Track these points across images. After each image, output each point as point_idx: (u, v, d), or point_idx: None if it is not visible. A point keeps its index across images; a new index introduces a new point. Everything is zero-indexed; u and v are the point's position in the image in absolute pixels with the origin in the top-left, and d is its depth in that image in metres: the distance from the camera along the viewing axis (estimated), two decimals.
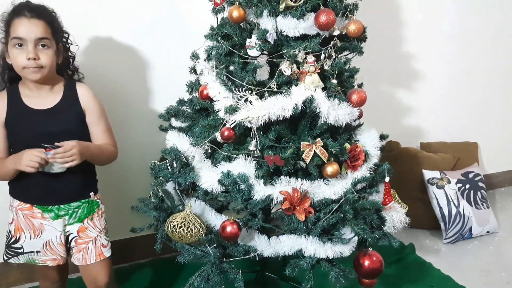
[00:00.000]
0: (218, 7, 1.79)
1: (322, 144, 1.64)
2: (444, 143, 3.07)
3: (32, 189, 1.66)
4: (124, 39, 2.19)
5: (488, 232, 2.79)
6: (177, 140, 1.85)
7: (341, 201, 1.68)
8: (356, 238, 1.70)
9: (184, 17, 2.24)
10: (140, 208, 1.88)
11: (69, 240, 1.75)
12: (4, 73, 1.64)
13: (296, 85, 1.65)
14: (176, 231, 1.66)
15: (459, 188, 2.77)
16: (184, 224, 1.65)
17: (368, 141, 1.89)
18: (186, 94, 1.96)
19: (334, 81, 1.71)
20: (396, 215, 1.86)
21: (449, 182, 2.76)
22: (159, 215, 1.80)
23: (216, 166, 1.73)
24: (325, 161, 1.64)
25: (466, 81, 3.09)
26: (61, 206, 1.70)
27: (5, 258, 1.74)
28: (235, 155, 1.68)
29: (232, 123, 1.60)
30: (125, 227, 2.15)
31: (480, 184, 2.86)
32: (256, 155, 1.65)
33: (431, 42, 2.88)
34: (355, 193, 1.72)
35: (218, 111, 1.65)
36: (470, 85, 3.11)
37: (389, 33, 2.78)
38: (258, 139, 1.62)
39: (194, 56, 1.86)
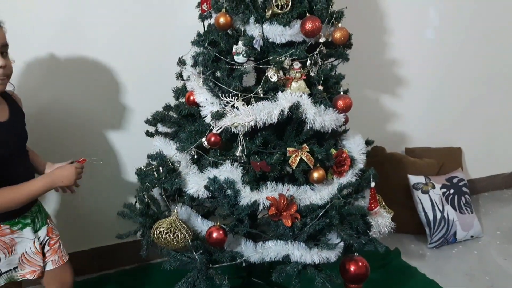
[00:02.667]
0: (205, 13, 1.80)
1: (308, 150, 1.65)
2: (428, 148, 3.10)
3: None
4: (112, 42, 2.19)
5: (472, 236, 2.82)
6: (164, 146, 1.85)
7: (327, 206, 1.69)
8: (342, 244, 1.71)
9: (172, 23, 2.23)
10: (126, 214, 1.87)
11: (44, 246, 1.71)
12: None
13: (282, 91, 1.66)
14: (162, 237, 1.65)
15: (443, 193, 2.80)
16: (170, 230, 1.65)
17: (354, 146, 1.90)
18: (172, 100, 1.96)
19: (320, 87, 1.73)
20: (381, 220, 1.88)
21: (433, 187, 2.79)
22: (145, 221, 1.79)
23: (202, 172, 1.73)
24: (311, 167, 1.65)
25: (449, 87, 3.13)
26: (25, 214, 1.63)
27: None
28: (221, 161, 1.68)
29: (218, 129, 1.60)
30: (110, 233, 2.14)
31: (464, 189, 2.89)
32: (242, 161, 1.65)
33: (415, 49, 2.91)
34: (341, 199, 1.73)
35: (205, 117, 1.65)
36: (453, 91, 3.14)
37: (373, 40, 2.80)
38: (244, 144, 1.62)
39: (181, 62, 1.86)
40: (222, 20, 1.65)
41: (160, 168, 1.74)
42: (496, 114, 3.34)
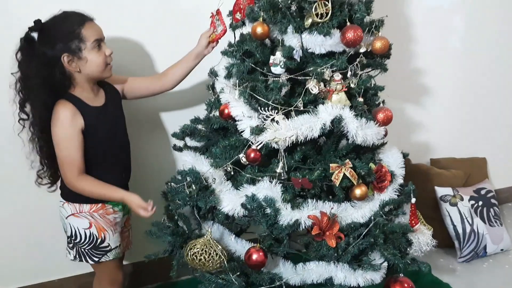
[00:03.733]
0: (237, 23, 1.72)
1: (352, 166, 1.56)
2: (454, 159, 3.02)
3: None
4: (136, 51, 2.11)
5: (502, 250, 2.73)
6: (195, 161, 1.77)
7: (370, 225, 1.60)
8: (386, 264, 1.62)
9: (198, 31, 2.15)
10: (154, 233, 1.78)
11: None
12: (63, 85, 1.63)
13: (322, 103, 1.59)
14: (196, 259, 1.57)
15: (472, 205, 2.72)
16: (205, 250, 1.57)
17: (392, 160, 1.83)
18: (198, 112, 1.89)
19: (361, 99, 1.65)
20: (422, 238, 1.79)
21: (462, 199, 2.71)
22: (175, 240, 1.71)
23: (238, 189, 1.65)
24: (355, 183, 1.57)
25: (473, 97, 3.05)
26: None
27: (96, 259, 1.77)
28: (259, 178, 1.59)
29: (258, 145, 1.52)
30: (137, 250, 2.07)
31: (493, 200, 2.81)
32: (283, 178, 1.56)
33: (440, 58, 2.84)
34: (384, 216, 1.65)
35: (242, 132, 1.57)
36: (476, 100, 3.07)
37: (398, 48, 2.71)
38: (285, 160, 1.54)
39: (212, 73, 1.79)
40: (259, 29, 1.57)
41: (193, 185, 1.66)
42: None
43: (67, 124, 1.59)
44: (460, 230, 2.64)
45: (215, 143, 1.83)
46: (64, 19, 1.57)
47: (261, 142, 1.52)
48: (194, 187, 1.66)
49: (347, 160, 1.57)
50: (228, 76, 1.70)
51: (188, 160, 1.80)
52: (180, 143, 1.97)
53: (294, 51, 1.55)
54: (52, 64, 1.57)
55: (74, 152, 1.61)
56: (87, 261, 1.77)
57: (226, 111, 1.65)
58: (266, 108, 1.54)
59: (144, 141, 2.20)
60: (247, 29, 1.73)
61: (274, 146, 1.53)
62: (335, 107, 1.56)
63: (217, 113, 1.74)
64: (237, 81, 1.62)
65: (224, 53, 1.78)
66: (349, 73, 1.62)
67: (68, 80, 1.62)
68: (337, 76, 1.59)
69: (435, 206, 2.74)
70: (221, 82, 1.71)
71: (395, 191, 1.74)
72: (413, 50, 2.76)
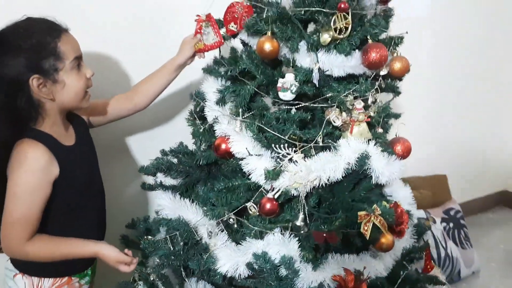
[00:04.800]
0: (232, 35, 1.40)
1: (380, 212, 1.30)
2: (420, 177, 2.89)
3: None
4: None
5: (473, 272, 2.64)
6: (175, 206, 1.42)
7: (399, 281, 1.36)
8: None
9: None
10: None
11: None
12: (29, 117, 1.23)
13: (342, 137, 1.32)
14: None
15: (444, 228, 2.59)
16: None
17: (401, 195, 1.59)
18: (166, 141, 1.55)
19: (380, 130, 1.40)
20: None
21: (434, 221, 2.57)
22: None
23: (239, 243, 1.32)
24: (385, 233, 1.31)
25: (434, 114, 2.97)
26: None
27: None
28: (269, 230, 1.28)
29: (276, 192, 1.21)
30: None
31: (462, 221, 2.71)
32: (303, 231, 1.26)
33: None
34: (408, 267, 1.42)
35: (250, 174, 1.25)
36: (437, 117, 3.00)
37: None
38: (306, 210, 1.24)
39: (198, 96, 1.44)
40: (268, 46, 1.26)
41: (179, 240, 1.31)
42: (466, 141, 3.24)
43: (36, 175, 1.19)
44: (435, 256, 2.50)
45: (197, 182, 1.50)
46: (31, 28, 1.16)
47: (279, 189, 1.20)
48: (181, 242, 1.31)
49: (375, 206, 1.30)
50: (221, 101, 1.37)
51: (166, 205, 1.44)
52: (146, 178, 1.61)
53: (314, 74, 1.26)
54: (15, 88, 1.16)
55: (34, 211, 1.21)
56: None
57: (223, 146, 1.31)
58: (282, 145, 1.23)
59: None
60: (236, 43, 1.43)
61: (293, 192, 1.23)
62: (358, 142, 1.29)
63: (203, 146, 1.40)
64: (240, 109, 1.29)
65: (208, 71, 1.46)
66: (370, 100, 1.35)
67: (35, 111, 1.21)
68: (359, 104, 1.32)
69: None
70: (213, 109, 1.37)
71: (412, 234, 1.51)
72: None
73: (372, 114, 1.38)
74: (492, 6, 2.92)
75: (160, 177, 1.55)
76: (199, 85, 1.69)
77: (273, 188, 1.21)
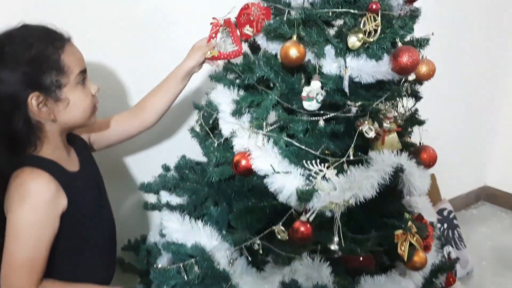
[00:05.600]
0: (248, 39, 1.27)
1: (416, 230, 1.21)
2: None
3: None
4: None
5: (468, 273, 2.61)
6: (186, 229, 1.28)
7: None
8: None
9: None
10: None
11: None
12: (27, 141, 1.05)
13: (370, 148, 1.21)
14: None
15: (439, 230, 2.55)
16: None
17: (421, 206, 1.51)
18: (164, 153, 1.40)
19: (409, 139, 1.31)
20: None
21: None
22: None
23: (260, 269, 1.20)
24: (420, 251, 1.22)
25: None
26: None
27: None
28: (297, 255, 1.16)
29: (311, 214, 1.09)
30: None
31: (455, 221, 2.67)
32: (337, 255, 1.15)
33: None
34: (437, 283, 1.33)
35: (277, 194, 1.12)
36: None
37: None
38: (341, 232, 1.12)
39: (209, 106, 1.30)
40: (294, 52, 1.13)
41: (196, 268, 1.18)
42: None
43: (42, 210, 1.02)
44: None
45: (205, 200, 1.37)
46: (30, 38, 0.99)
47: (314, 211, 1.08)
48: (197, 271, 1.18)
49: (410, 223, 1.21)
50: (238, 113, 1.23)
51: (174, 228, 1.30)
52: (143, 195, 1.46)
53: (345, 81, 1.14)
54: (11, 108, 0.99)
55: (41, 252, 1.03)
56: None
57: (243, 162, 1.18)
58: (314, 162, 1.11)
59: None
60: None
61: (328, 214, 1.11)
62: (391, 154, 1.19)
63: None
64: (264, 122, 1.16)
65: (217, 78, 1.32)
66: (400, 107, 1.25)
67: (34, 135, 1.03)
68: (390, 113, 1.22)
69: None
70: (229, 122, 1.23)
71: (437, 248, 1.43)
72: None
73: (400, 122, 1.28)
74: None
75: (164, 195, 1.41)
76: (198, 93, 1.56)
77: (307, 209, 1.08)
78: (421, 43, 1.31)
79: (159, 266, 1.23)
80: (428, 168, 1.35)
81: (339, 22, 1.26)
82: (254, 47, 1.38)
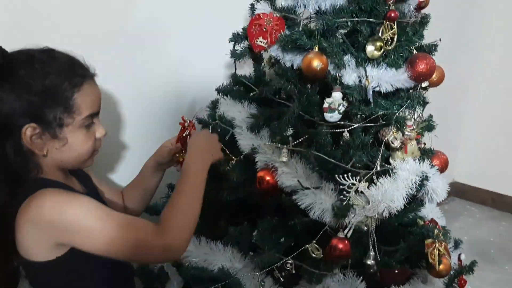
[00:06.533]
0: (261, 51, 1.22)
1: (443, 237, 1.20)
2: None
3: None
4: None
5: None
6: (204, 251, 1.22)
7: None
8: None
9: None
10: None
11: None
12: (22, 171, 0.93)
13: (393, 158, 1.20)
14: None
15: None
16: None
17: (427, 209, 1.51)
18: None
19: (423, 145, 1.30)
20: None
21: None
22: None
23: None
24: (447, 258, 1.21)
25: None
26: None
27: None
28: (330, 272, 1.13)
29: (348, 231, 1.05)
30: None
31: None
32: (372, 269, 1.12)
33: None
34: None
35: (309, 212, 1.08)
36: None
37: None
38: (376, 247, 1.10)
39: (224, 121, 1.24)
40: (317, 63, 1.10)
41: None
42: None
43: (72, 194, 0.93)
44: None
45: (218, 219, 1.31)
46: (50, 66, 0.89)
47: (351, 226, 1.05)
48: None
49: (437, 231, 1.20)
50: (257, 127, 1.18)
51: (190, 251, 1.23)
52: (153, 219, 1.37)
53: (369, 91, 1.12)
54: (3, 130, 0.89)
55: (117, 212, 0.94)
56: None
57: (267, 178, 1.13)
58: (346, 176, 1.08)
59: None
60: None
61: (363, 228, 1.08)
62: (414, 163, 1.18)
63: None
64: (290, 137, 1.12)
65: (225, 92, 1.27)
66: (416, 115, 1.25)
67: (25, 164, 0.93)
68: (410, 121, 1.21)
69: None
70: (248, 138, 1.18)
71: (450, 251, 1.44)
72: None
73: (418, 130, 1.28)
74: None
75: None
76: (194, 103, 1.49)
77: (344, 225, 1.05)
78: (431, 49, 1.32)
79: None
80: (441, 173, 1.36)
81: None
82: (258, 59, 1.34)
